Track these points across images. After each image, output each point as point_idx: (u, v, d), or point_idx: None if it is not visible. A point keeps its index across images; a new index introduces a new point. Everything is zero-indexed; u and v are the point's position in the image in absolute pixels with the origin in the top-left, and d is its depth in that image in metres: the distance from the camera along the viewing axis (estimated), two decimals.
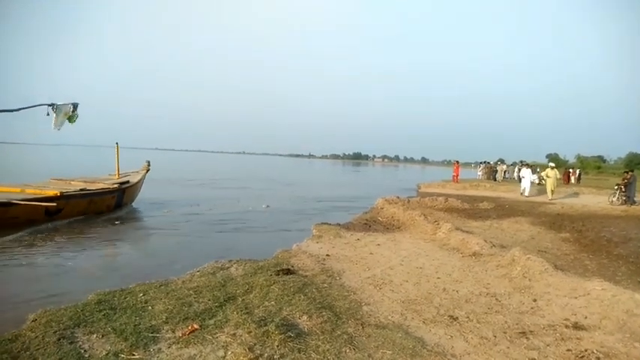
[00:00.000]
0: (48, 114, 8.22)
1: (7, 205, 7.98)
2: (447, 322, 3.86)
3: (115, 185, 11.16)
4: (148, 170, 13.44)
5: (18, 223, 7.96)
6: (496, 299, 4.56)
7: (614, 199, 15.88)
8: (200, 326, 3.30)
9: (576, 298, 4.39)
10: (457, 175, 26.55)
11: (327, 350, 3.01)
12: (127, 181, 11.91)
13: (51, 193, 8.91)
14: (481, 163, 36.23)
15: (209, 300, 3.92)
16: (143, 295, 4.04)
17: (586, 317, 3.98)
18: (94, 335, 3.12)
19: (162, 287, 4.31)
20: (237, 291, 4.26)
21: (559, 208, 14.00)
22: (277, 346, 2.97)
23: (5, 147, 73.22)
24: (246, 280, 4.61)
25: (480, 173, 33.90)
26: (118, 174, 12.56)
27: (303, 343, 3.08)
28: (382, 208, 12.02)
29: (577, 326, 3.80)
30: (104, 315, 3.49)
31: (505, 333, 3.65)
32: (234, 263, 5.39)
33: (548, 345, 3.41)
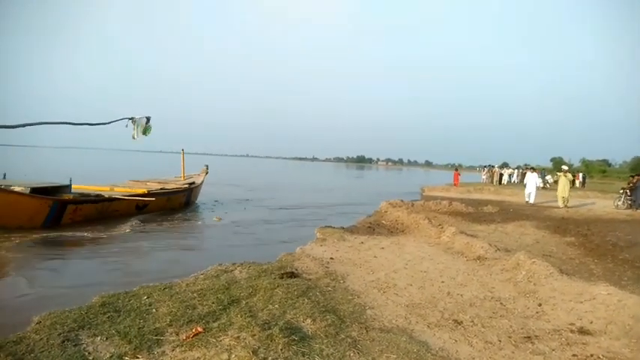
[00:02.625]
0: (127, 126, 9.76)
1: (112, 200, 9.81)
2: (451, 326, 3.84)
3: (186, 185, 13.01)
4: (206, 173, 14.98)
5: (116, 215, 9.76)
6: (501, 303, 4.54)
7: (620, 203, 15.79)
8: (204, 329, 3.30)
9: (582, 302, 4.36)
10: (457, 182, 27.16)
11: (331, 354, 3.00)
12: (194, 182, 13.65)
13: (140, 191, 10.81)
14: (485, 166, 36.27)
15: (213, 303, 3.92)
16: (147, 297, 4.05)
17: (592, 322, 3.95)
18: (98, 338, 3.13)
19: (167, 290, 4.31)
20: (241, 294, 4.26)
21: (564, 212, 13.94)
22: (281, 349, 2.96)
23: (13, 149, 73.76)
24: (250, 283, 4.61)
25: (484, 177, 33.95)
26: (184, 176, 14.32)
27: (307, 346, 3.07)
28: (386, 212, 12.00)
29: (583, 331, 3.77)
30: (108, 317, 3.50)
31: (510, 337, 3.63)
32: (238, 266, 5.39)
33: (553, 350, 3.39)
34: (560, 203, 15.79)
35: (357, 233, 8.61)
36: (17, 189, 8.06)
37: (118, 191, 10.57)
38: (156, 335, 3.21)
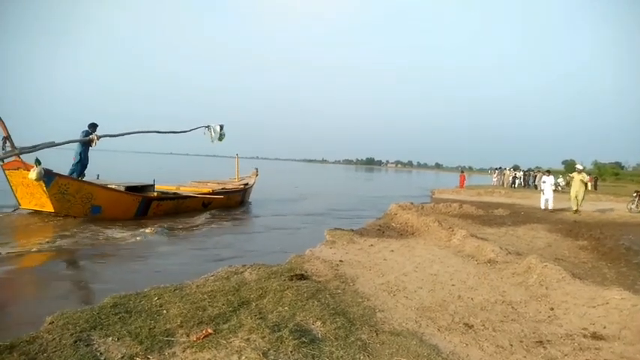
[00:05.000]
0: (204, 133, 11.72)
1: (185, 197, 11.35)
2: (462, 329, 3.81)
3: (241, 186, 14.58)
4: (257, 175, 16.61)
5: (187, 210, 11.20)
6: (512, 307, 4.50)
7: (633, 206, 15.54)
8: (214, 331, 3.31)
9: (595, 307, 4.30)
10: (462, 184, 27.32)
11: (341, 357, 3.00)
12: (247, 183, 15.16)
13: (206, 190, 12.64)
14: (496, 169, 35.98)
15: (223, 304, 3.94)
16: (158, 298, 4.07)
17: (605, 327, 3.89)
18: (110, 338, 3.15)
19: (177, 291, 4.33)
20: (251, 296, 4.27)
21: (576, 216, 13.76)
22: (291, 351, 2.96)
23: None
24: (259, 285, 4.62)
25: (494, 179, 33.70)
26: (238, 178, 15.90)
27: (317, 349, 3.07)
28: (396, 214, 11.94)
29: (596, 336, 3.72)
30: (120, 318, 3.53)
31: (522, 342, 3.59)
32: (248, 268, 5.40)
33: (566, 355, 3.35)
34: (573, 206, 14.65)
35: (366, 236, 8.59)
36: (114, 187, 9.58)
37: (184, 190, 12.28)
38: (167, 336, 3.23)
